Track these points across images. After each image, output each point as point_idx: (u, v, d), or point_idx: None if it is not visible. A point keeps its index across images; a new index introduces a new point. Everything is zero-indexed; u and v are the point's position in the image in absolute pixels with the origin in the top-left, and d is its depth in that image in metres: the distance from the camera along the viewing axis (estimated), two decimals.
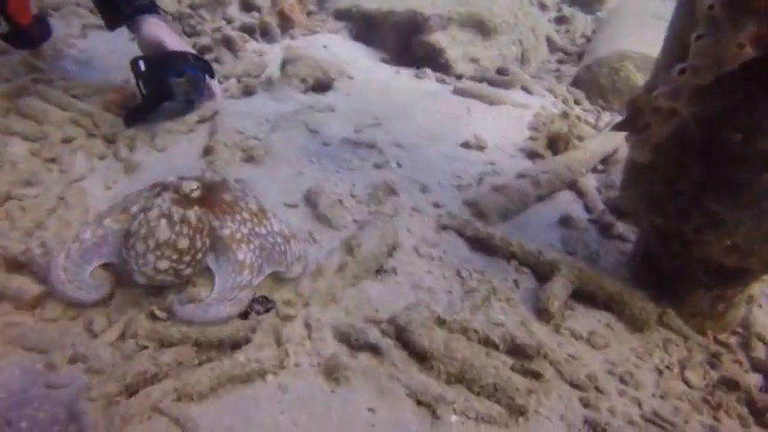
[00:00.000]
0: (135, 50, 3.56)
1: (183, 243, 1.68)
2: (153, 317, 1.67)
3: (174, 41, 2.77)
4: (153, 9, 2.81)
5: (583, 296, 2.06)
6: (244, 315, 1.73)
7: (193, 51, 2.93)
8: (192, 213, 1.72)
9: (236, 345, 1.64)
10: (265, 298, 1.80)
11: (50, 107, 2.63)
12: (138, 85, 2.71)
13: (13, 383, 1.51)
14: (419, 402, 1.61)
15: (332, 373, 1.63)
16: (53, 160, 2.38)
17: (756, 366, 1.95)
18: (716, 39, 1.46)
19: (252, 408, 1.52)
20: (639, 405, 1.73)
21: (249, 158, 2.57)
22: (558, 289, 2.00)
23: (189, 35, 3.79)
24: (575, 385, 1.76)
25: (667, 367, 1.87)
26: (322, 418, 1.52)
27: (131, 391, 1.48)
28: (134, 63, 2.67)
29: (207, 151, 2.60)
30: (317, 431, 1.49)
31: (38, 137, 2.47)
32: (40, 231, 1.99)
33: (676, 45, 1.69)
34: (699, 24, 1.50)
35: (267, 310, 1.77)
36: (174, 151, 2.64)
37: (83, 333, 1.66)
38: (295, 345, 1.70)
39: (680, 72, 1.56)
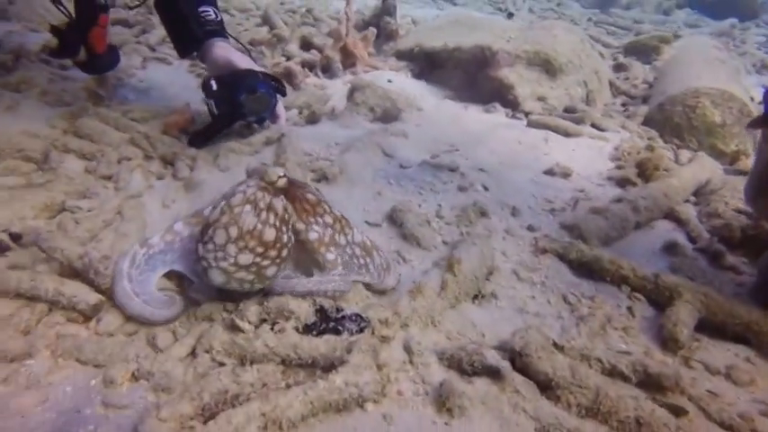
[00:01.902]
0: (193, 82, 3.51)
1: (270, 234, 1.42)
2: (233, 328, 1.41)
3: (244, 61, 2.67)
4: (222, 34, 2.75)
5: (709, 327, 1.74)
6: (336, 332, 1.46)
7: (264, 70, 2.81)
8: (279, 202, 1.48)
9: (329, 366, 1.36)
10: (359, 316, 1.52)
11: (108, 128, 2.51)
12: (208, 106, 2.59)
13: (66, 401, 1.25)
14: None
15: (445, 402, 1.32)
16: (109, 178, 2.23)
17: None
18: None
19: None
20: None
21: (322, 177, 2.36)
22: (685, 315, 1.68)
23: None
24: (726, 426, 1.41)
25: None
26: None
27: (209, 414, 1.20)
28: (206, 83, 2.56)
29: None
30: None
31: (94, 155, 2.34)
32: (94, 243, 1.79)
33: None
34: None
35: (361, 330, 1.49)
36: (237, 172, 2.45)
37: (145, 348, 1.41)
38: (395, 370, 1.41)
39: None
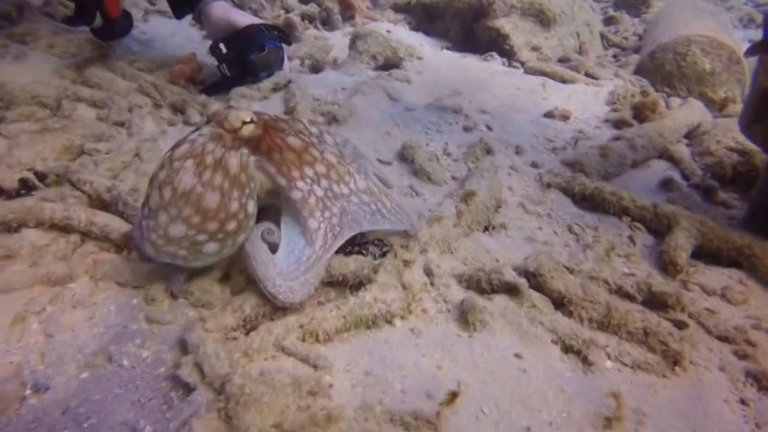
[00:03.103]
0: (196, 34, 3.43)
1: (211, 200, 1.11)
2: None
3: (244, 17, 2.62)
4: None
5: (704, 254, 1.79)
6: (361, 255, 1.48)
7: (265, 21, 2.75)
8: (236, 157, 1.15)
9: (358, 284, 1.38)
10: (381, 241, 1.55)
11: (116, 77, 2.47)
12: (220, 69, 2.55)
13: (111, 318, 1.28)
14: (567, 348, 1.34)
15: (467, 316, 1.36)
16: (121, 124, 2.20)
17: None
18: None
19: (387, 350, 1.27)
20: None
21: (332, 120, 2.35)
22: (683, 240, 1.73)
23: None
24: (723, 338, 1.48)
25: None
26: (467, 363, 1.26)
27: (249, 325, 1.23)
28: (214, 47, 2.52)
29: (288, 113, 2.39)
30: (464, 376, 1.22)
31: (105, 103, 2.30)
32: (116, 182, 1.78)
33: None
34: None
35: (384, 254, 1.51)
36: None
37: (180, 270, 1.43)
38: (419, 291, 1.44)
39: None
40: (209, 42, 2.63)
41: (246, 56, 2.47)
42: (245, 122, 1.20)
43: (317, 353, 1.20)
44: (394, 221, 1.35)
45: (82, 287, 1.34)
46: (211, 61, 2.73)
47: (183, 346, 1.15)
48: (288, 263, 1.20)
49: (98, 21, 2.50)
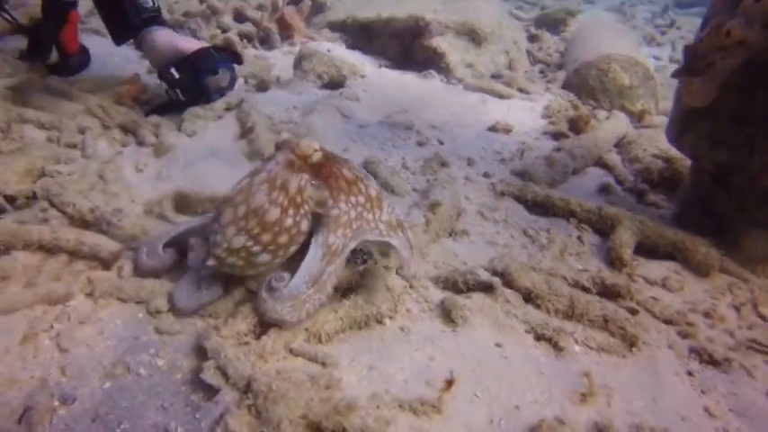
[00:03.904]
0: (133, 53, 3.45)
1: (272, 214, 1.30)
2: None
3: (190, 42, 2.68)
4: (161, 21, 2.72)
5: (644, 250, 2.09)
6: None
7: (211, 44, 2.86)
8: (296, 181, 1.34)
9: (347, 290, 1.54)
10: (361, 250, 1.71)
11: (61, 99, 2.48)
12: (168, 93, 2.60)
13: (121, 331, 1.36)
14: (539, 337, 1.56)
15: (450, 313, 1.55)
16: (74, 146, 2.23)
17: None
18: None
19: (383, 347, 1.43)
20: (731, 335, 1.74)
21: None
22: (627, 238, 2.02)
23: None
24: (667, 321, 1.76)
25: (742, 304, 1.90)
26: (455, 354, 1.45)
27: (259, 331, 1.35)
28: (164, 72, 2.55)
29: (246, 132, 2.50)
30: (455, 366, 1.40)
31: (54, 125, 2.31)
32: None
33: None
34: None
35: (365, 261, 1.67)
36: (205, 136, 2.53)
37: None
38: (401, 293, 1.62)
39: (756, 1, 1.66)
40: (149, 63, 2.67)
41: (200, 79, 2.55)
42: (314, 150, 1.39)
43: (324, 352, 1.34)
44: (396, 242, 1.48)
45: (82, 305, 1.40)
46: (154, 81, 2.78)
47: (202, 353, 1.24)
48: (302, 279, 1.35)
49: (54, 56, 2.49)
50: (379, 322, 1.51)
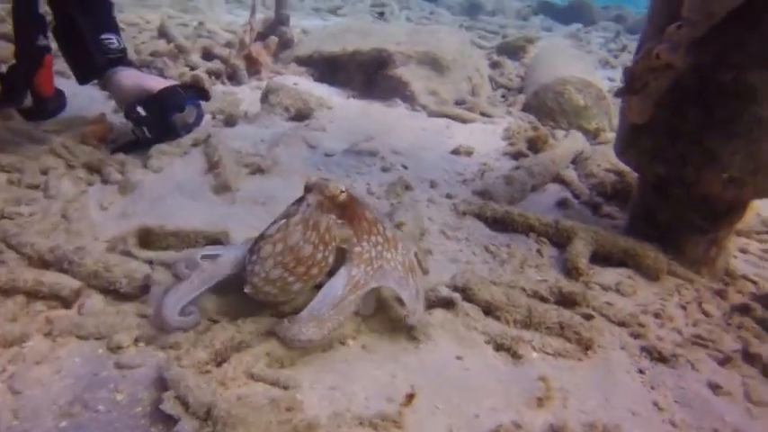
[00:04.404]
0: (98, 93, 3.47)
1: (306, 250, 1.45)
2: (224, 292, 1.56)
3: (157, 81, 2.72)
4: (126, 61, 2.74)
5: (599, 258, 2.14)
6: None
7: (179, 82, 2.90)
8: (325, 220, 1.49)
9: None
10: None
11: (24, 141, 2.47)
12: (135, 131, 2.61)
13: (79, 369, 1.35)
14: (499, 347, 1.59)
15: (410, 331, 1.57)
16: (36, 187, 2.21)
17: (753, 297, 2.08)
18: None
19: (346, 367, 1.44)
20: (679, 332, 1.80)
21: (257, 170, 2.53)
22: (582, 248, 2.08)
23: None
24: (621, 323, 1.81)
25: (688, 303, 1.96)
26: (417, 369, 1.47)
27: (220, 358, 1.36)
28: (131, 111, 2.57)
29: (213, 166, 2.53)
30: (417, 381, 1.42)
31: (14, 166, 2.29)
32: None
33: (663, 14, 1.91)
34: None
35: None
36: (171, 172, 2.54)
37: (139, 319, 1.52)
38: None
39: (677, 28, 1.78)
40: (114, 103, 2.69)
41: (167, 116, 2.58)
42: (341, 191, 1.52)
43: (286, 375, 1.35)
44: (406, 295, 1.55)
45: (40, 344, 1.39)
46: (120, 120, 2.80)
47: (162, 384, 1.25)
48: (322, 302, 1.45)
49: (28, 100, 2.46)
50: (342, 343, 1.53)
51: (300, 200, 1.55)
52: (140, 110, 2.55)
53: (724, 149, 1.84)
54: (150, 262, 1.77)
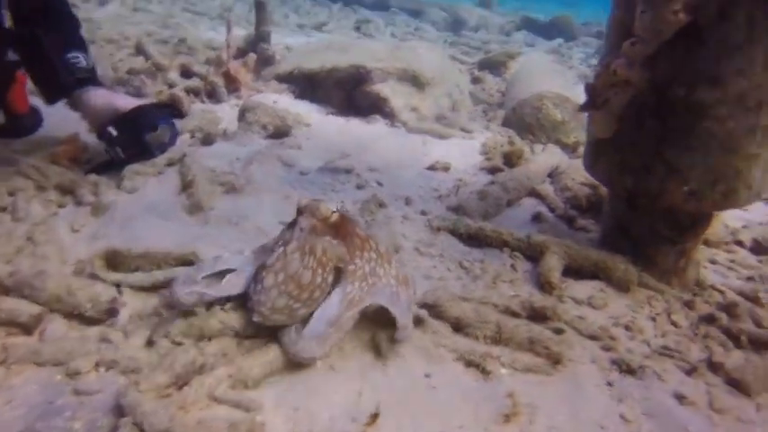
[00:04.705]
0: (72, 113, 3.45)
1: (306, 277, 1.49)
2: (186, 314, 1.56)
3: (128, 101, 2.70)
4: (95, 81, 2.72)
5: (572, 271, 2.16)
6: None
7: (151, 101, 2.90)
8: (320, 243, 1.53)
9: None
10: None
11: None
12: (108, 151, 2.59)
13: (34, 397, 1.33)
14: (468, 363, 1.59)
15: (379, 348, 1.58)
16: (3, 209, 2.19)
17: (719, 306, 2.10)
18: (655, 11, 1.74)
19: (311, 387, 1.44)
20: (648, 344, 1.82)
21: (231, 189, 2.53)
22: (555, 263, 2.10)
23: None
24: (592, 337, 1.82)
25: (657, 315, 1.99)
26: (384, 387, 1.47)
27: (182, 382, 1.35)
28: (102, 132, 2.55)
29: (186, 186, 2.53)
30: (383, 399, 1.42)
31: None
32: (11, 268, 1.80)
33: (619, 31, 1.96)
34: (640, 2, 1.77)
35: None
36: (145, 192, 2.54)
37: (100, 344, 1.51)
38: None
39: (631, 44, 1.82)
40: (87, 124, 2.67)
41: (140, 136, 2.57)
42: (332, 212, 1.56)
43: (248, 397, 1.34)
44: (398, 312, 1.57)
45: None
46: (94, 140, 2.79)
47: (120, 410, 1.24)
48: (320, 321, 1.50)
49: (1, 117, 2.44)
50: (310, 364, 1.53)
51: (293, 223, 1.59)
52: (112, 130, 2.54)
53: (683, 162, 1.88)
54: (118, 285, 1.77)
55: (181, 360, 1.36)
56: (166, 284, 1.79)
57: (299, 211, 1.58)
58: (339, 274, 1.57)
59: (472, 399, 1.47)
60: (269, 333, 1.55)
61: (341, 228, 1.59)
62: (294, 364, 1.49)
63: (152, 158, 2.70)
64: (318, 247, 1.52)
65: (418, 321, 1.67)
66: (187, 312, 1.55)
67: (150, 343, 1.50)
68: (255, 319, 1.49)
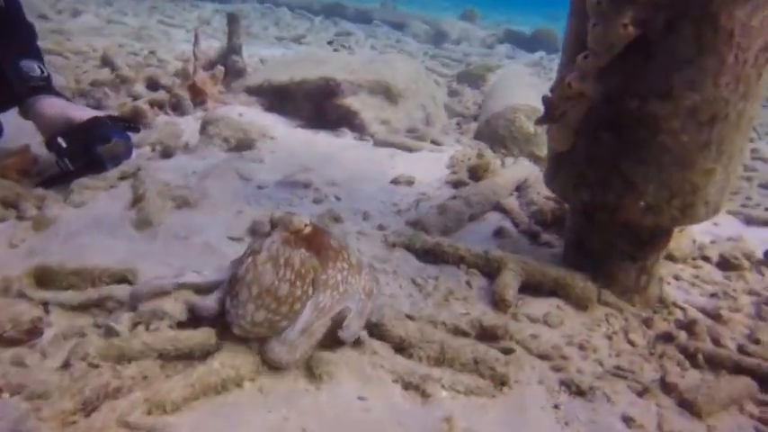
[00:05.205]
0: (27, 123, 3.39)
1: (283, 290, 1.49)
2: (107, 334, 1.50)
3: (83, 111, 2.66)
4: (49, 90, 2.68)
5: (530, 288, 2.12)
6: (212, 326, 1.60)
7: (107, 113, 2.85)
8: (298, 255, 1.54)
9: (206, 354, 1.50)
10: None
11: None
12: (59, 164, 2.54)
13: None
14: (407, 385, 1.54)
15: (313, 370, 1.53)
16: None
17: (679, 324, 2.06)
18: (606, 25, 1.73)
19: (234, 412, 1.38)
20: (601, 364, 1.78)
21: (184, 204, 2.48)
22: (510, 279, 2.06)
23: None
24: (543, 356, 1.78)
25: (614, 333, 1.95)
26: (313, 412, 1.41)
27: (91, 407, 1.29)
28: (52, 142, 2.50)
29: (137, 200, 2.48)
30: (310, 424, 1.36)
31: None
32: None
33: (575, 44, 1.94)
34: (591, 16, 1.76)
35: None
36: (94, 206, 2.48)
37: (11, 367, 1.44)
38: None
39: (584, 58, 1.81)
40: (41, 136, 2.63)
41: (92, 148, 2.52)
42: (305, 225, 1.58)
43: (164, 423, 1.29)
44: (351, 315, 1.63)
45: None
46: (45, 152, 2.73)
47: None
48: (293, 329, 1.54)
49: None
50: (238, 386, 1.47)
51: (265, 236, 1.60)
52: (62, 141, 2.49)
53: (638, 176, 1.85)
54: (46, 303, 1.71)
55: (92, 383, 1.30)
56: (99, 303, 1.75)
57: (273, 224, 1.62)
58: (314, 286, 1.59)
59: (406, 424, 1.42)
60: (198, 353, 1.50)
61: (314, 239, 1.60)
62: (219, 387, 1.43)
63: (104, 171, 2.65)
64: (296, 259, 1.53)
65: (356, 342, 1.62)
66: (109, 332, 1.50)
67: (66, 365, 1.44)
68: (236, 331, 1.51)
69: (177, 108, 4.00)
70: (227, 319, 1.54)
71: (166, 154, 3.19)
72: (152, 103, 3.92)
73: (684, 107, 1.75)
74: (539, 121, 2.08)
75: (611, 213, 1.96)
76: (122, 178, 2.71)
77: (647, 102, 1.77)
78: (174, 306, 1.58)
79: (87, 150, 2.56)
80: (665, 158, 1.80)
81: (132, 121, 2.79)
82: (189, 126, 3.75)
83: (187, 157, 3.14)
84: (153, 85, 4.32)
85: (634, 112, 1.79)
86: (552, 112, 2.00)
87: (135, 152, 2.85)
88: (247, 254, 1.57)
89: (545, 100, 2.03)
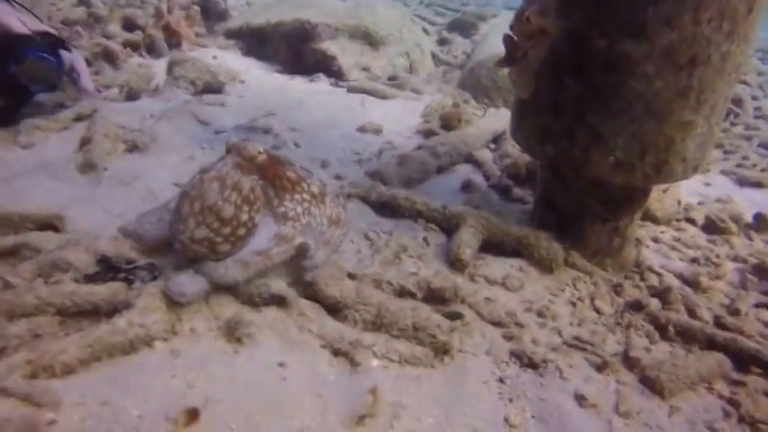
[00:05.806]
0: None
1: (227, 211, 1.42)
2: (3, 287, 1.31)
3: (20, 23, 2.32)
4: None
5: (492, 247, 1.91)
6: (128, 282, 1.40)
7: (48, 29, 2.53)
8: (248, 181, 1.46)
9: (113, 311, 1.31)
10: (152, 264, 1.48)
11: None
12: None
13: None
14: (336, 351, 1.36)
15: (233, 332, 1.34)
16: None
17: (652, 292, 1.87)
18: None
19: (136, 376, 1.20)
20: (560, 333, 1.58)
21: (133, 148, 2.26)
22: (468, 238, 1.84)
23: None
24: (495, 323, 1.59)
25: (579, 299, 1.75)
26: (224, 378, 1.23)
27: None
28: None
29: (84, 142, 2.26)
30: (217, 392, 1.18)
31: None
32: None
33: None
34: None
35: (155, 278, 1.45)
36: (43, 148, 2.28)
37: None
38: (190, 311, 1.39)
39: None
40: None
41: (5, 70, 2.23)
42: (259, 153, 1.51)
43: (45, 389, 1.10)
44: (314, 247, 1.56)
45: None
46: None
47: None
48: (247, 252, 1.46)
49: None
50: (149, 345, 1.29)
51: (218, 160, 1.52)
52: None
53: (607, 128, 1.60)
54: None
55: None
56: (15, 251, 1.55)
57: (227, 150, 1.53)
58: (268, 216, 1.52)
59: (326, 394, 1.24)
60: (105, 309, 1.32)
61: (269, 169, 1.52)
62: (128, 348, 1.25)
63: (30, 95, 2.39)
64: (245, 184, 1.45)
65: (282, 301, 1.42)
66: (5, 286, 1.30)
67: None
68: (176, 246, 1.45)
69: (153, 50, 3.70)
70: (171, 234, 1.48)
71: (131, 96, 2.95)
72: (126, 44, 3.63)
73: (660, 47, 1.48)
74: (499, 63, 1.82)
75: (578, 169, 1.72)
76: (77, 120, 2.49)
77: (616, 41, 1.50)
78: (80, 256, 1.38)
79: (1, 72, 2.26)
80: (636, 108, 1.54)
81: (64, 40, 2.48)
82: (162, 69, 3.47)
83: (151, 100, 2.89)
84: (129, 25, 4.01)
85: (601, 52, 1.52)
86: (513, 52, 1.74)
87: (87, 81, 2.60)
88: (196, 173, 1.52)
89: (505, 39, 1.77)
